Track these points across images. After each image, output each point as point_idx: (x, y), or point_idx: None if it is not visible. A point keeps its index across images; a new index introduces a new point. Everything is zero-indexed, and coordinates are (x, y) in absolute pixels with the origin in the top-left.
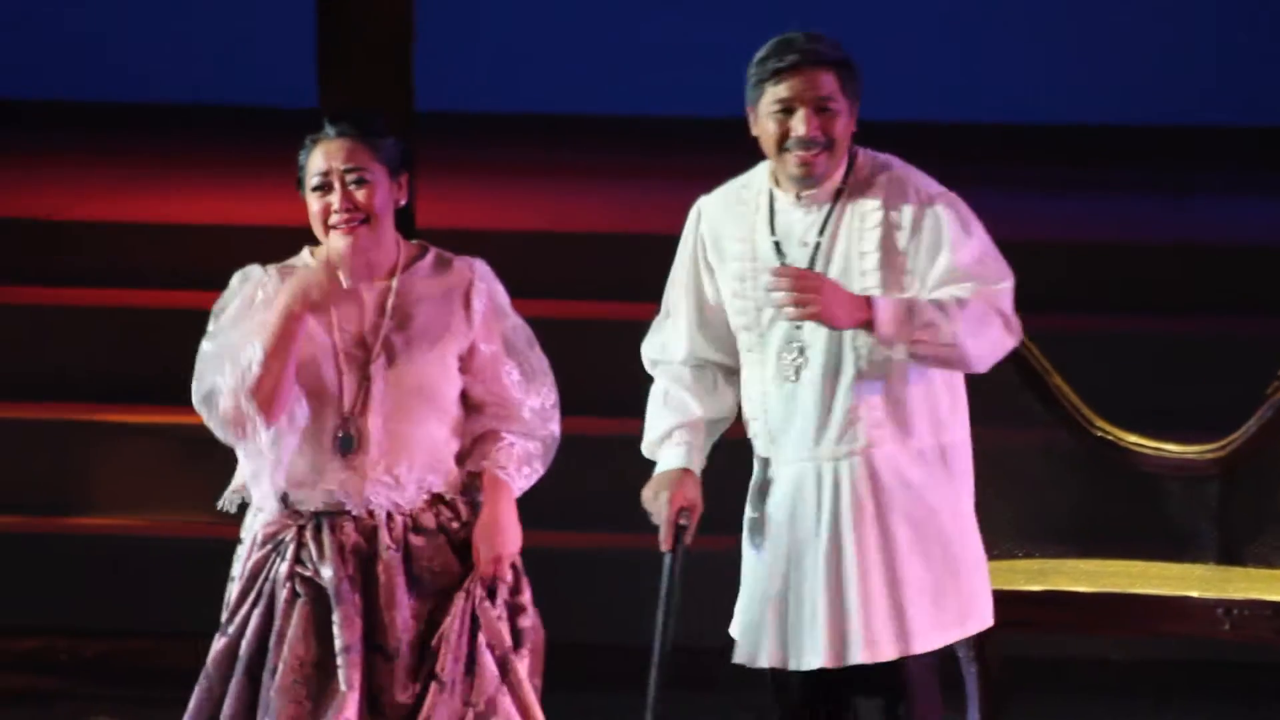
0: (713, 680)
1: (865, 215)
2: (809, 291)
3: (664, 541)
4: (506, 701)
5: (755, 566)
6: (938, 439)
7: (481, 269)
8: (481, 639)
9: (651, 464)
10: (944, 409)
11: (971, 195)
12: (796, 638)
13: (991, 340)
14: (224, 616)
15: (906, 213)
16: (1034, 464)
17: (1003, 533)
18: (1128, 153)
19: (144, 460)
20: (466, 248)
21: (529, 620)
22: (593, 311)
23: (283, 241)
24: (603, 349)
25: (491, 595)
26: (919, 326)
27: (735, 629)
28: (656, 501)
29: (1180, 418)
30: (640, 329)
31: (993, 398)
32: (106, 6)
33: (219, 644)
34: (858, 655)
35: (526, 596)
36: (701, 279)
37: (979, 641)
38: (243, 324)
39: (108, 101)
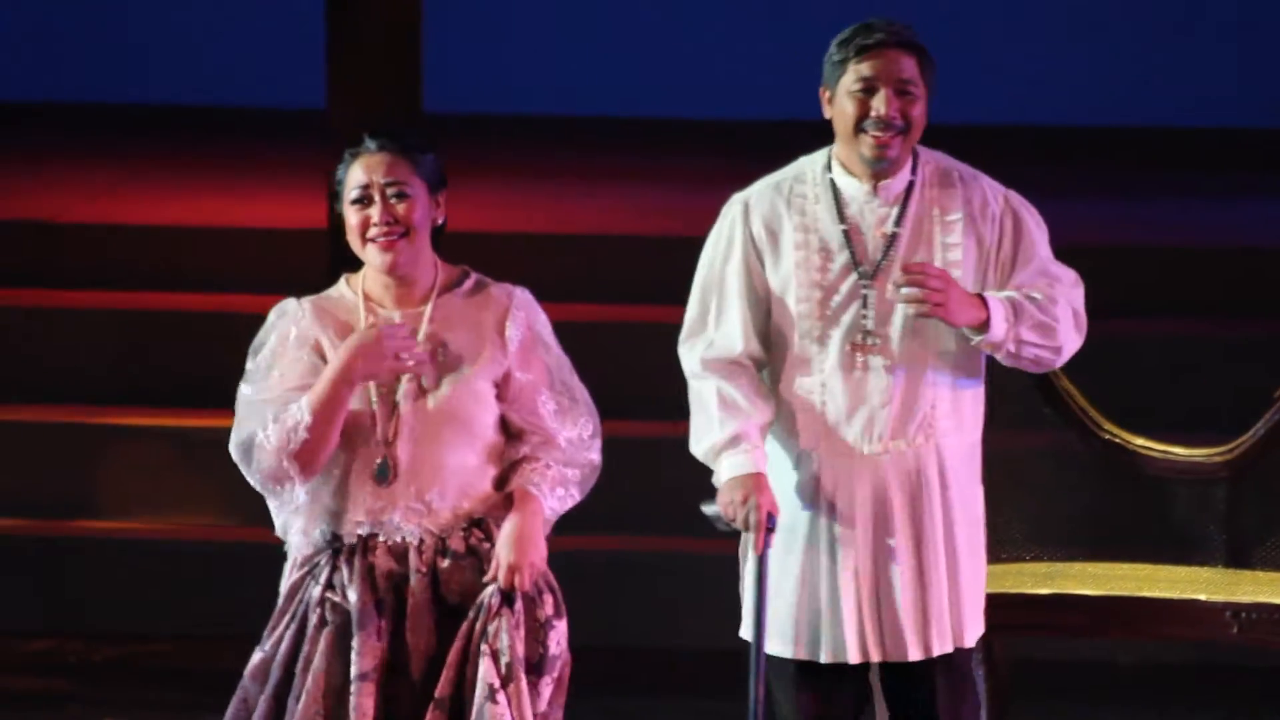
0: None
1: (946, 207)
2: (941, 289)
3: (756, 546)
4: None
5: (808, 561)
6: (976, 433)
7: (521, 297)
8: (484, 663)
9: (696, 466)
10: (982, 404)
11: None
12: (877, 630)
13: (1075, 341)
14: (265, 630)
15: (990, 209)
16: (1042, 467)
17: (1011, 536)
18: (1140, 154)
19: (154, 462)
20: (471, 249)
21: (557, 646)
22: (600, 314)
23: (289, 244)
24: (608, 351)
25: (509, 602)
26: (1027, 327)
27: (784, 624)
28: (742, 507)
29: (1188, 420)
30: (645, 331)
31: (1001, 400)
32: (110, 8)
33: (257, 657)
34: (943, 645)
35: (554, 616)
36: (754, 275)
37: (987, 644)
38: (280, 363)
39: (112, 103)
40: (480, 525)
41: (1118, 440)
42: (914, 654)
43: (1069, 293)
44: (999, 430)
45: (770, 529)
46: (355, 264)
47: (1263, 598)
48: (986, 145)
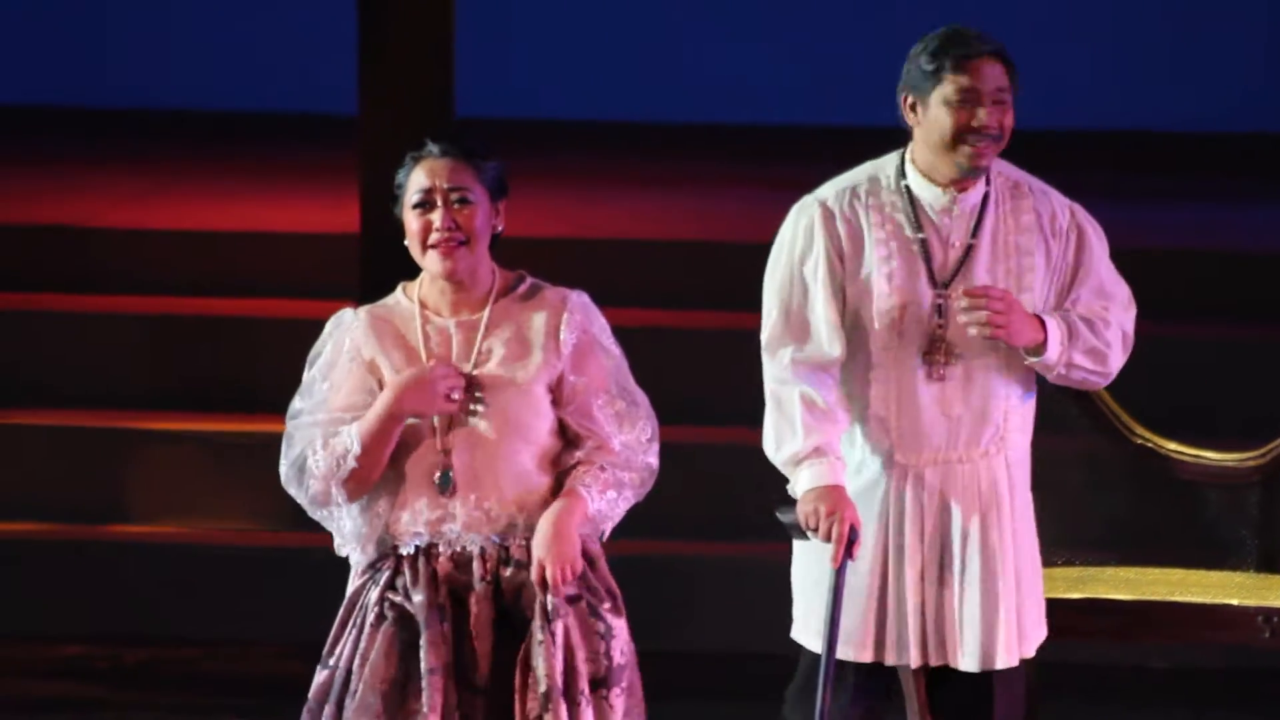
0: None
1: (1020, 220)
2: (1003, 312)
3: (835, 559)
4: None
5: (875, 568)
6: (1030, 440)
7: (576, 301)
8: (545, 668)
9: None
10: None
11: None
12: (938, 635)
13: (1121, 364)
14: (325, 648)
15: (1058, 221)
16: (1074, 471)
17: (1043, 540)
18: (1177, 159)
19: (184, 467)
20: (504, 252)
21: (622, 655)
22: (627, 319)
23: (320, 249)
24: (650, 355)
25: (549, 618)
26: (1080, 351)
27: (853, 627)
28: (826, 519)
29: (1221, 425)
30: (674, 336)
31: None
32: (141, 13)
33: (320, 678)
34: (1008, 658)
35: (613, 620)
36: (837, 278)
37: None
38: (332, 375)
39: (142, 108)
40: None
41: (1150, 444)
42: (972, 664)
43: (1121, 315)
44: (1030, 434)
45: (852, 541)
46: (385, 271)
47: None
48: (1007, 149)
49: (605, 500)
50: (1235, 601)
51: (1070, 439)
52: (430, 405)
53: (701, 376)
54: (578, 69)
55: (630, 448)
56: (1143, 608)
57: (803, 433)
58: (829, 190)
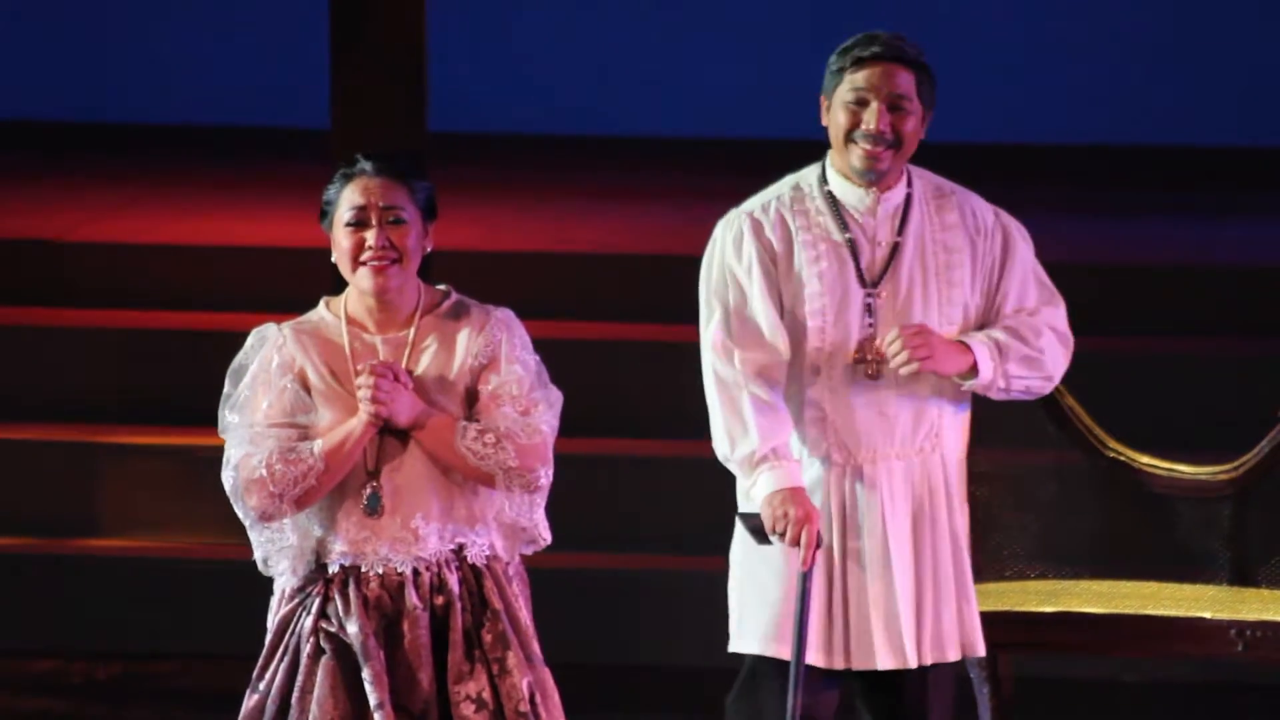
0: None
1: (944, 218)
2: (923, 347)
3: (805, 562)
4: None
5: (791, 569)
6: (964, 448)
7: (500, 316)
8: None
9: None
10: (969, 421)
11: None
12: (865, 637)
13: (1064, 364)
14: (255, 672)
15: (984, 221)
16: (1047, 485)
17: (1016, 553)
18: (1141, 174)
19: (156, 481)
20: (474, 267)
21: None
22: (600, 333)
23: (293, 263)
24: (607, 370)
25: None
26: (1014, 362)
27: (768, 624)
28: (796, 524)
29: (1193, 438)
30: (645, 350)
31: (1006, 418)
32: (115, 28)
33: (250, 702)
34: (939, 654)
35: (518, 652)
36: (772, 285)
37: (991, 662)
38: (266, 393)
39: (117, 123)
40: (473, 568)
41: (1122, 458)
42: (906, 660)
43: (1050, 314)
44: (1004, 448)
45: (818, 545)
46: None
47: (1268, 615)
48: (988, 163)
49: (474, 438)
50: (1208, 615)
51: (1043, 453)
52: (409, 407)
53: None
54: (550, 84)
55: (519, 421)
56: (1115, 621)
57: (757, 433)
58: (754, 203)
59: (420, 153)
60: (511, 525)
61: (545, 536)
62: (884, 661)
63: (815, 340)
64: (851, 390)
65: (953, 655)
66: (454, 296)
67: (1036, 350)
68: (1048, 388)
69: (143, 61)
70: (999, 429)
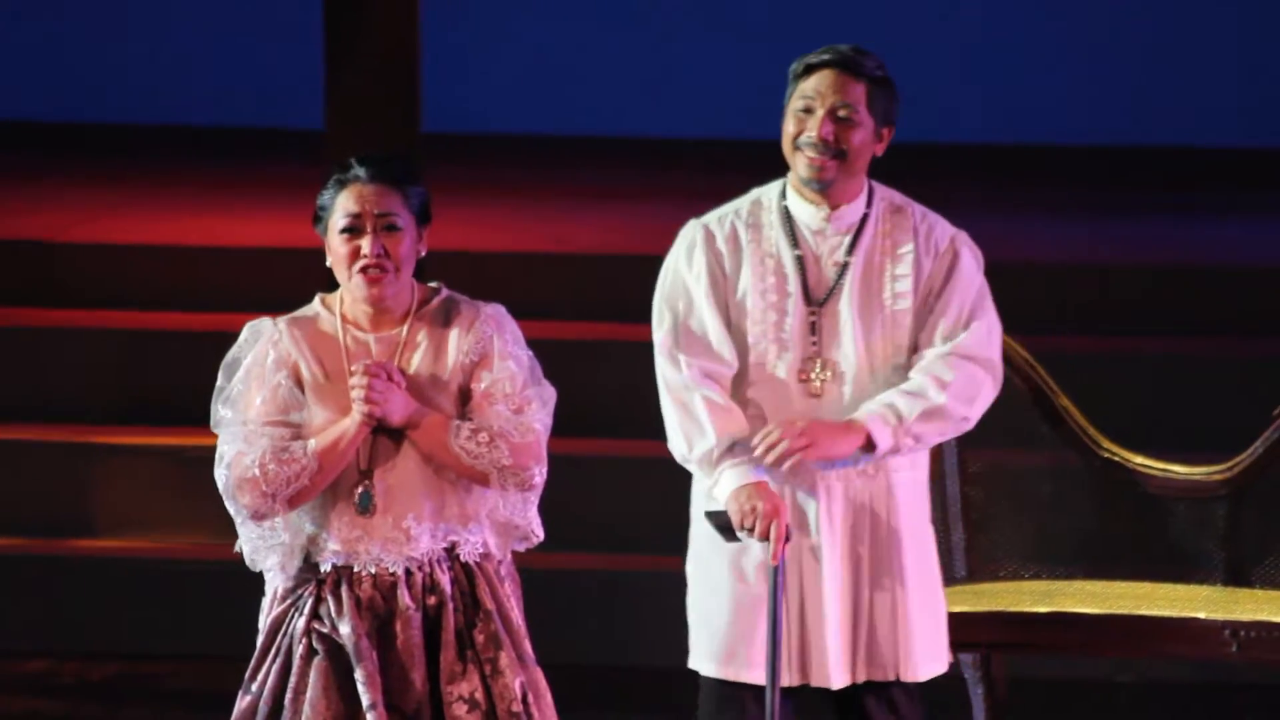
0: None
1: (898, 240)
2: (802, 436)
3: (775, 555)
4: None
5: (743, 582)
6: (925, 471)
7: (490, 313)
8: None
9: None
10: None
11: (983, 217)
12: (819, 655)
13: (983, 398)
14: (247, 673)
15: (937, 244)
16: (1041, 485)
17: (1010, 554)
18: (1136, 174)
19: (151, 482)
20: (470, 268)
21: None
22: (597, 333)
23: (287, 264)
24: (605, 370)
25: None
26: (915, 420)
27: (720, 645)
28: (765, 519)
29: (1187, 439)
30: (643, 350)
31: (1000, 419)
32: (107, 29)
33: (242, 702)
34: (871, 673)
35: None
36: (721, 296)
37: (985, 662)
38: (260, 389)
39: (111, 123)
40: (465, 566)
41: (1117, 458)
42: (838, 680)
43: (976, 348)
44: (998, 448)
45: (788, 539)
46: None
47: (1262, 616)
48: (976, 163)
49: (467, 437)
50: (1202, 615)
51: (1037, 453)
52: (402, 406)
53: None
54: (545, 85)
55: (511, 419)
56: (1110, 621)
57: (713, 430)
58: (713, 215)
59: (414, 153)
60: (505, 523)
61: (538, 533)
62: (815, 678)
63: (758, 356)
64: (793, 408)
65: (890, 676)
66: (444, 293)
67: (932, 402)
68: (968, 426)
69: (137, 62)
70: (993, 430)
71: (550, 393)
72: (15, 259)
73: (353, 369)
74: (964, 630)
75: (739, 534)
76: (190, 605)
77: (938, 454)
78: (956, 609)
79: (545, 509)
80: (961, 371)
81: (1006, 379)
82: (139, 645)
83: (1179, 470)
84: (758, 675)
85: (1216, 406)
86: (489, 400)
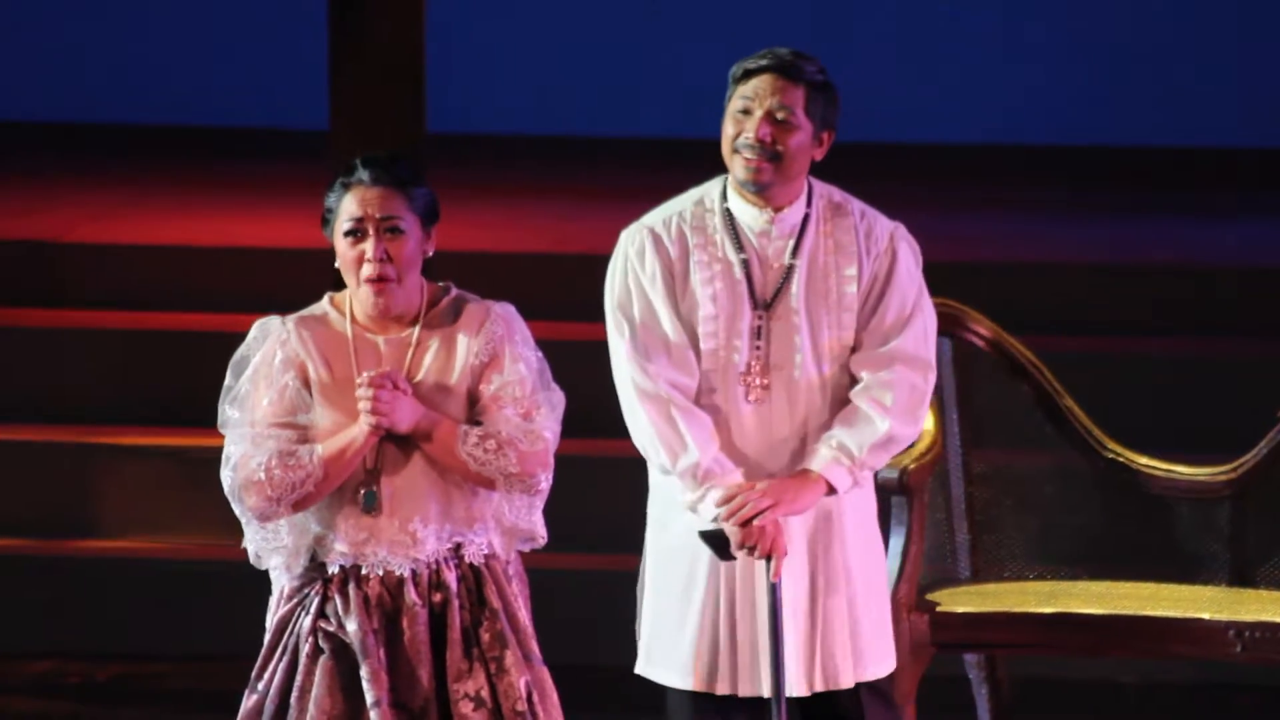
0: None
1: (841, 240)
2: (765, 501)
3: (775, 573)
4: None
5: (700, 589)
6: (870, 478)
7: (500, 312)
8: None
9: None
10: None
11: (986, 217)
12: (755, 664)
13: (924, 406)
14: (253, 672)
15: (877, 241)
16: (1045, 486)
17: (1014, 554)
18: (1138, 174)
19: (155, 482)
20: (477, 268)
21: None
22: (601, 333)
23: (292, 264)
24: (608, 370)
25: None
26: (868, 455)
27: (680, 654)
28: (763, 539)
29: (1191, 440)
30: None
31: (1004, 420)
32: (115, 29)
33: (249, 702)
34: (826, 682)
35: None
36: (675, 299)
37: (990, 663)
38: (268, 390)
39: (116, 123)
40: (472, 566)
41: (1121, 459)
42: (798, 689)
43: (909, 344)
44: (1002, 449)
45: (784, 555)
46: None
47: (1266, 616)
48: (980, 164)
49: (474, 444)
50: (1206, 616)
51: (1041, 454)
52: (409, 414)
53: None
54: (550, 85)
55: (520, 426)
56: (1114, 622)
57: (695, 445)
58: (656, 217)
59: (419, 153)
60: (510, 526)
61: (542, 535)
62: (767, 689)
63: (708, 360)
64: (741, 411)
65: (845, 683)
66: (454, 292)
67: (883, 432)
68: (913, 437)
69: (142, 62)
70: (998, 431)
71: (559, 397)
72: (21, 259)
73: (359, 380)
74: (969, 631)
75: (736, 553)
76: (195, 605)
77: (941, 455)
78: (961, 609)
79: (550, 509)
80: (901, 388)
81: (1011, 380)
82: (144, 645)
83: (1183, 471)
84: (742, 688)
85: (1221, 407)
86: (498, 404)
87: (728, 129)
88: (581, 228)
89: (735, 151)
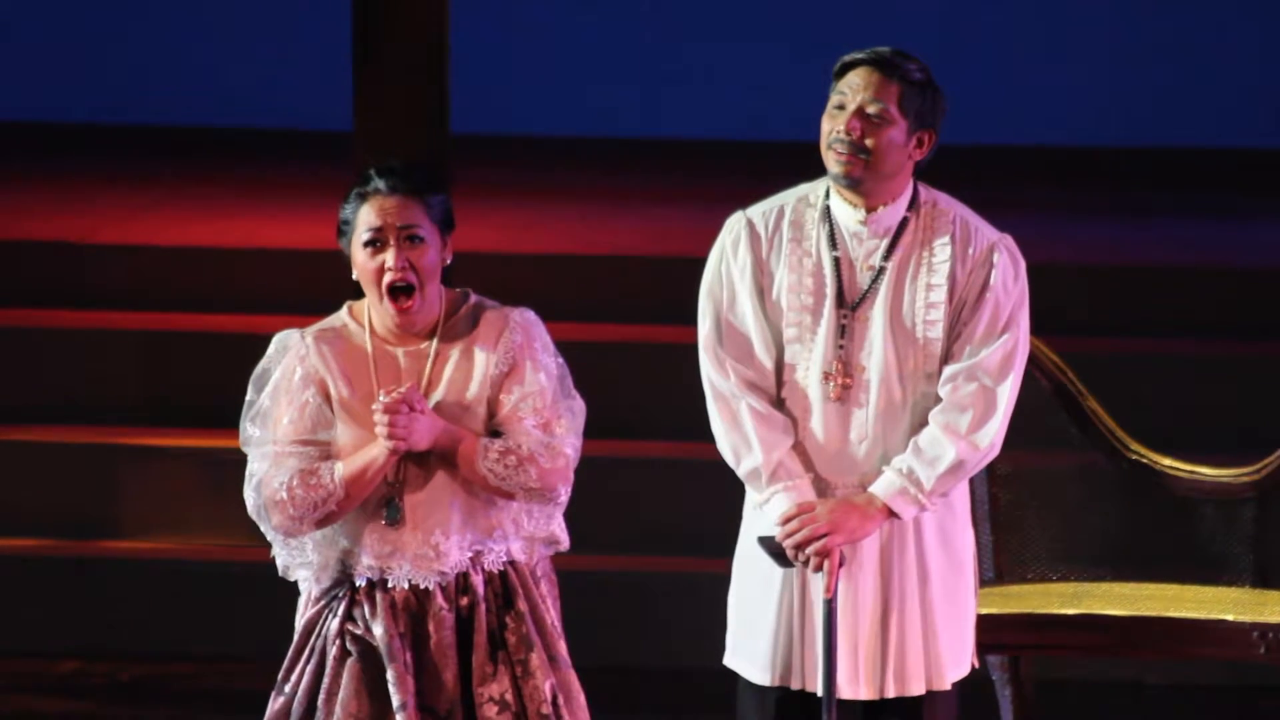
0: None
1: (935, 249)
2: (823, 528)
3: (829, 589)
4: None
5: (777, 587)
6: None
7: (519, 320)
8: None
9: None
10: None
11: (1011, 219)
12: (850, 669)
13: (1002, 426)
14: (280, 673)
15: (975, 253)
16: (1069, 487)
17: (1038, 556)
18: (1166, 175)
19: (180, 483)
20: (498, 270)
21: (546, 594)
22: (622, 335)
23: (316, 265)
24: (631, 372)
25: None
26: (939, 479)
27: (757, 649)
28: (815, 552)
29: (1215, 440)
30: (667, 352)
31: (1029, 421)
32: (139, 30)
33: (275, 703)
34: (900, 688)
35: (539, 654)
36: (764, 293)
37: (1014, 664)
38: (288, 407)
39: (141, 125)
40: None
41: (1145, 460)
42: (865, 693)
43: (995, 366)
44: (1026, 450)
45: (840, 564)
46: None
47: None
48: (1004, 166)
49: (495, 459)
50: (1230, 617)
51: (1065, 455)
52: (428, 432)
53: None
54: (573, 86)
55: (541, 440)
56: (1138, 623)
57: (760, 448)
58: (758, 208)
59: (443, 154)
60: (530, 534)
61: (564, 540)
62: (844, 691)
63: (790, 356)
64: (820, 410)
65: (916, 690)
66: (472, 299)
67: (955, 460)
68: (989, 458)
69: (166, 64)
70: (1021, 431)
71: (580, 406)
72: (45, 261)
73: (374, 406)
74: (992, 632)
75: (793, 562)
76: (219, 606)
77: None
78: (985, 611)
79: (570, 511)
80: (977, 408)
81: (1034, 381)
82: (169, 646)
83: (1207, 472)
84: (808, 683)
85: (1245, 408)
86: (518, 415)
87: (824, 124)
88: (606, 229)
89: (829, 147)
